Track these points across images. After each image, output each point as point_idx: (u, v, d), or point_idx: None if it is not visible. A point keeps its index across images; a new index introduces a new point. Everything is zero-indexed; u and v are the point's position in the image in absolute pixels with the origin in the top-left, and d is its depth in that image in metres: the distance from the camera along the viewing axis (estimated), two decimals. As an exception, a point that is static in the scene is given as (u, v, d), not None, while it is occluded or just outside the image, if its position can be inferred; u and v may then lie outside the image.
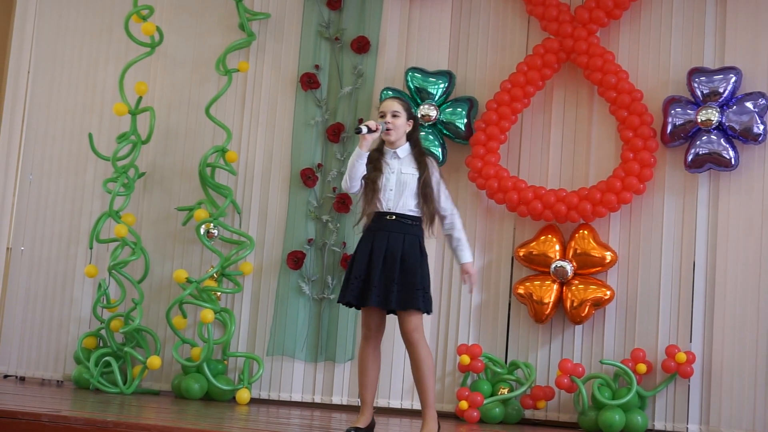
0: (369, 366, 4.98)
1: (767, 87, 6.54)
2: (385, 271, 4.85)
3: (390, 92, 7.07)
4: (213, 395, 7.11)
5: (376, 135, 4.95)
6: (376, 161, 4.98)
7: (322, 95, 7.45)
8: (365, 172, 4.96)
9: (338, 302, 5.06)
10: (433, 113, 6.96)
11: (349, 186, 4.98)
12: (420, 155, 5.04)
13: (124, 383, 7.17)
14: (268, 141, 7.55)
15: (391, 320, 5.08)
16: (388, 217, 4.92)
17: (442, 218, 5.05)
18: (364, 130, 4.88)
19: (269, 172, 7.51)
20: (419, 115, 6.96)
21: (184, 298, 7.06)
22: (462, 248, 5.06)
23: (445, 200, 5.03)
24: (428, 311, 4.91)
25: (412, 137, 5.07)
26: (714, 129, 6.46)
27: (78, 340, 7.50)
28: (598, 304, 6.65)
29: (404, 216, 4.93)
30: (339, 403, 7.12)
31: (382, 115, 5.01)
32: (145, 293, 7.42)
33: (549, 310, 6.71)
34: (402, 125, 5.01)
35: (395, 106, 5.02)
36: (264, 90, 7.61)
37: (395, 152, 5.01)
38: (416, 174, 4.96)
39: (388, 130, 4.96)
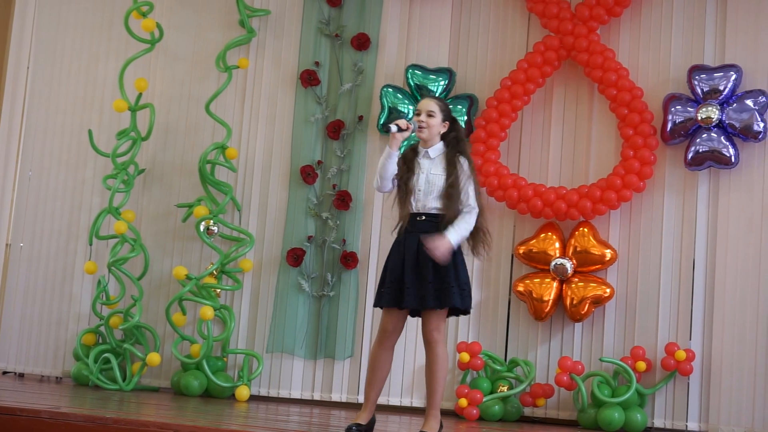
0: (379, 366, 4.95)
1: (767, 85, 6.54)
2: (418, 272, 4.80)
3: (390, 89, 7.06)
4: (212, 392, 7.11)
5: (407, 134, 4.88)
6: (409, 162, 4.93)
7: (322, 92, 7.44)
8: (396, 172, 4.91)
9: (374, 306, 4.99)
10: (434, 110, 6.95)
11: (380, 185, 4.93)
12: (453, 156, 4.95)
13: (124, 380, 7.17)
14: (268, 138, 7.54)
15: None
16: (419, 218, 4.88)
17: (459, 213, 4.87)
18: (394, 129, 4.83)
19: (269, 169, 7.50)
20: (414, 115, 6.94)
21: (183, 295, 7.06)
22: (452, 227, 4.81)
23: (464, 195, 4.86)
24: (466, 307, 4.82)
25: (446, 137, 4.99)
26: (714, 127, 6.46)
27: (77, 337, 7.50)
28: (598, 301, 6.65)
29: (434, 216, 4.87)
30: (338, 400, 7.12)
31: (418, 114, 4.97)
32: (144, 290, 7.42)
33: (549, 307, 6.71)
34: (436, 125, 4.93)
35: (431, 105, 4.96)
36: (264, 87, 7.60)
37: (427, 152, 4.95)
38: (444, 174, 4.89)
39: (420, 128, 4.92)
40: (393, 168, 4.90)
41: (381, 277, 4.93)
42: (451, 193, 4.84)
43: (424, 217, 4.87)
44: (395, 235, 4.95)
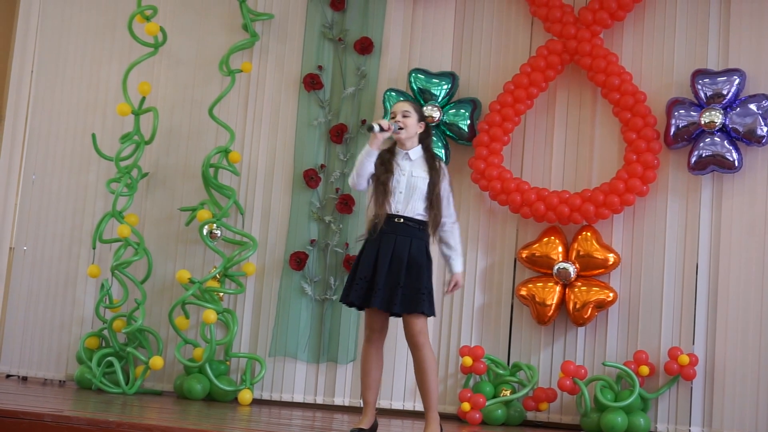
0: (372, 367, 4.98)
1: (771, 89, 6.54)
2: (390, 275, 4.84)
3: (393, 93, 7.07)
4: (215, 396, 7.11)
5: (387, 135, 4.94)
6: (387, 162, 4.97)
7: (325, 96, 7.44)
8: (373, 171, 4.96)
9: (340, 301, 5.06)
10: (437, 114, 6.96)
11: (356, 183, 4.99)
12: (432, 159, 5.02)
13: (127, 383, 7.17)
14: (271, 142, 7.55)
15: (394, 322, 5.07)
16: (396, 220, 4.92)
17: (443, 224, 5.04)
18: (377, 128, 4.88)
19: (272, 173, 7.51)
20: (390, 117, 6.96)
21: (186, 299, 7.06)
22: (457, 257, 5.09)
23: (447, 206, 5.03)
24: (432, 314, 4.93)
25: (424, 142, 5.06)
26: (717, 131, 6.46)
27: (80, 340, 7.50)
28: (601, 306, 6.64)
29: (412, 219, 4.92)
30: (341, 404, 7.11)
31: (393, 116, 5.01)
32: (147, 293, 7.42)
33: (551, 311, 6.71)
34: (413, 125, 5.01)
35: (405, 106, 5.04)
36: (267, 91, 7.61)
37: (407, 153, 4.99)
38: (427, 178, 4.94)
39: (400, 129, 4.96)
40: (372, 167, 4.97)
41: (351, 272, 4.97)
42: (435, 198, 4.96)
43: (402, 220, 4.91)
44: (365, 234, 5.02)
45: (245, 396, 6.96)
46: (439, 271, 6.87)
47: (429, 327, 6.82)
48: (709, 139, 6.47)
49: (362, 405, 5.07)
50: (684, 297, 6.60)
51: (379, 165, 4.98)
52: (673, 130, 6.58)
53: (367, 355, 4.99)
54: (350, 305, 4.96)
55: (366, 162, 4.94)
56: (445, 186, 5.00)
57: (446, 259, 5.12)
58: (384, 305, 4.84)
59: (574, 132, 6.99)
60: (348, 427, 5.47)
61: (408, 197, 4.92)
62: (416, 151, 5.02)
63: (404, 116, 5.01)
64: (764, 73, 6.58)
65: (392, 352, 6.88)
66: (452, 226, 5.06)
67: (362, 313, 7.11)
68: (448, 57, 7.25)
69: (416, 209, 4.93)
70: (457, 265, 5.09)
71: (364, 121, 7.26)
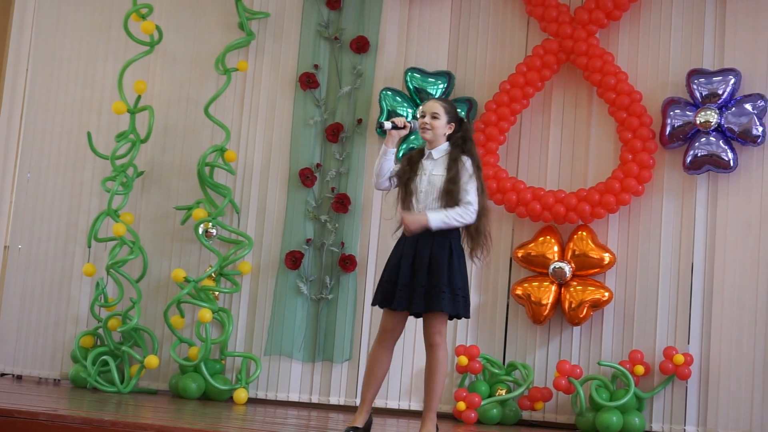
0: (377, 366, 4.95)
1: (766, 89, 6.55)
2: (412, 276, 4.79)
3: (389, 92, 7.06)
4: (210, 395, 7.10)
5: (404, 132, 4.88)
6: (414, 163, 4.91)
7: (321, 95, 7.44)
8: (392, 169, 4.91)
9: (372, 305, 5.01)
10: (432, 113, 6.95)
11: (376, 183, 4.94)
12: (456, 155, 4.90)
13: (122, 382, 7.16)
14: (266, 140, 7.54)
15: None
16: None
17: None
18: (388, 125, 4.83)
19: (268, 172, 7.50)
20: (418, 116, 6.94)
21: (182, 298, 7.05)
22: (438, 212, 4.75)
23: (463, 193, 4.79)
24: (457, 314, 4.77)
25: (452, 138, 4.95)
26: (713, 131, 6.46)
27: (75, 339, 7.49)
28: (597, 305, 6.65)
29: None
30: (336, 403, 7.11)
31: (423, 116, 4.95)
32: (143, 292, 7.41)
33: (547, 311, 6.71)
34: (440, 127, 4.90)
35: (435, 107, 4.94)
36: (263, 89, 7.60)
37: (431, 153, 4.94)
38: (444, 175, 4.86)
39: (423, 129, 4.90)
40: (389, 165, 4.90)
41: (381, 275, 4.94)
42: (450, 189, 4.78)
43: None
44: (398, 235, 4.95)
45: (240, 395, 6.95)
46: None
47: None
48: (704, 139, 6.48)
49: (359, 402, 5.06)
50: (679, 296, 6.60)
51: (405, 165, 4.93)
52: (668, 129, 6.59)
53: (375, 354, 4.96)
54: (379, 306, 4.90)
55: (382, 160, 4.87)
56: (464, 179, 4.78)
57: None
58: (403, 306, 4.79)
59: (569, 131, 7.00)
60: (343, 426, 5.47)
61: (428, 195, 4.85)
62: (439, 150, 4.91)
63: (433, 117, 4.92)
64: (759, 72, 6.59)
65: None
66: (463, 204, 4.76)
67: (358, 312, 7.17)
68: (444, 56, 7.25)
69: (435, 207, 4.83)
70: (432, 215, 4.72)
71: (360, 121, 7.27)
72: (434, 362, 4.85)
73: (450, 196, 4.78)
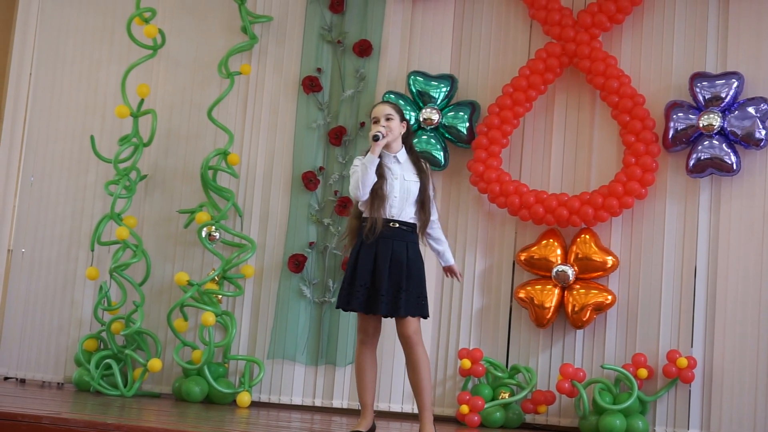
0: (367, 370, 4.99)
1: (769, 92, 6.55)
2: (391, 280, 4.85)
3: (392, 95, 7.08)
4: (213, 398, 7.10)
5: (384, 142, 4.98)
6: (378, 167, 4.98)
7: (324, 98, 7.45)
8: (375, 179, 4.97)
9: (337, 307, 5.05)
10: (435, 117, 6.96)
11: (361, 194, 4.96)
12: (417, 160, 5.07)
13: (125, 386, 7.17)
14: (269, 144, 7.55)
15: (389, 324, 5.08)
16: (391, 224, 4.92)
17: (432, 222, 5.15)
18: (381, 136, 4.94)
19: (271, 175, 7.51)
20: (422, 119, 6.97)
21: (185, 301, 7.06)
22: (448, 249, 5.25)
23: (433, 204, 5.13)
24: (427, 316, 5.04)
25: (407, 142, 5.10)
26: (716, 134, 6.46)
27: (79, 343, 7.50)
28: (600, 308, 6.65)
29: (406, 223, 4.96)
30: (339, 406, 7.11)
31: (376, 121, 5.02)
32: (146, 296, 7.42)
33: (550, 314, 6.71)
34: (397, 127, 5.04)
35: (387, 109, 5.03)
36: (266, 93, 7.61)
37: (395, 157, 5.01)
38: (418, 182, 4.99)
39: (379, 134, 5.00)
40: (375, 175, 4.96)
41: (347, 278, 4.95)
42: (425, 199, 5.04)
43: (397, 224, 4.92)
44: (348, 238, 5.08)
45: (244, 398, 6.95)
46: (437, 272, 6.88)
47: (427, 329, 6.89)
48: (707, 142, 6.48)
49: (360, 408, 5.07)
50: (682, 300, 6.60)
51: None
52: (671, 133, 6.59)
53: (362, 359, 5.00)
54: (363, 312, 4.97)
55: (371, 171, 4.93)
56: (430, 191, 5.09)
57: (438, 254, 5.25)
58: (388, 311, 4.85)
59: (572, 135, 7.00)
60: (346, 429, 5.47)
61: (402, 202, 4.94)
62: (403, 153, 5.05)
63: (388, 119, 5.01)
64: (763, 76, 6.58)
65: (391, 355, 6.88)
66: (437, 222, 5.19)
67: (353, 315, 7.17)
68: (447, 59, 7.26)
69: (409, 213, 4.98)
70: (451, 257, 5.28)
71: (362, 124, 7.28)
72: (417, 362, 4.90)
73: (423, 208, 5.04)
